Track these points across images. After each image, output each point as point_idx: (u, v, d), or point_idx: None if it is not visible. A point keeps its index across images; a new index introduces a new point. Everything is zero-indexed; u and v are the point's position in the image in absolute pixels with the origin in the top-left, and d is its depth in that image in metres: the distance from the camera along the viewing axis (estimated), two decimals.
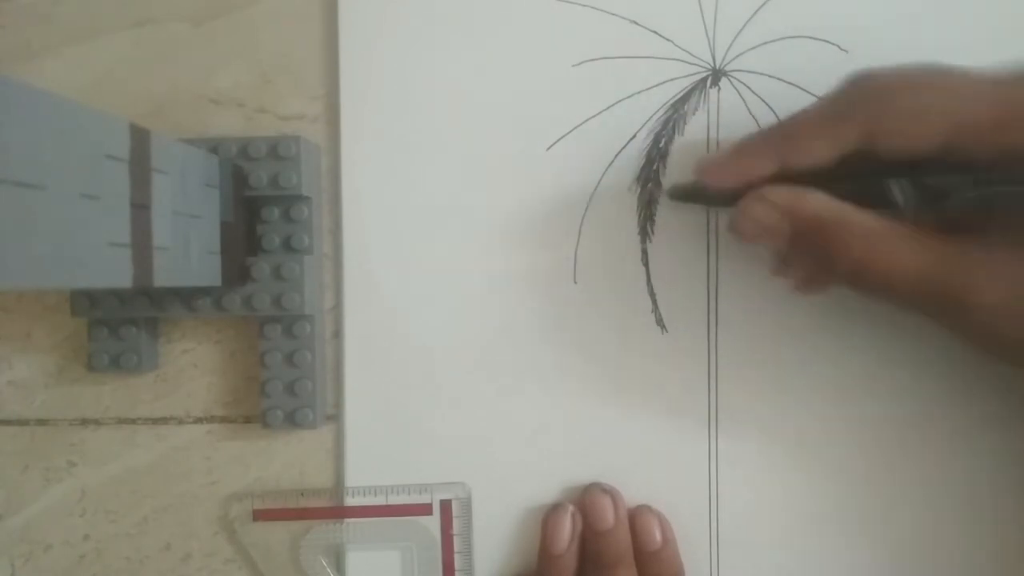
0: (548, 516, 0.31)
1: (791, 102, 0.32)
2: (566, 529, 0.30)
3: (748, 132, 0.27)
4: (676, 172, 0.32)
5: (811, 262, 0.26)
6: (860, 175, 0.25)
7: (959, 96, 0.23)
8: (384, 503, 0.32)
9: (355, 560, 0.33)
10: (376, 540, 0.32)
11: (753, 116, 0.32)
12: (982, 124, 0.23)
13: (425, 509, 0.32)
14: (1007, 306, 0.23)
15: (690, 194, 0.30)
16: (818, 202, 0.25)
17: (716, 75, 0.32)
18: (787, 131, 0.26)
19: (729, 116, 0.32)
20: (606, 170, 0.32)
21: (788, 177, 0.26)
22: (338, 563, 0.33)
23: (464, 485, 0.32)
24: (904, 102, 0.24)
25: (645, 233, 0.32)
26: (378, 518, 0.32)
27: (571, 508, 0.31)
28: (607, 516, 0.30)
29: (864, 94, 0.25)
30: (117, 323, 0.32)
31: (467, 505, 0.32)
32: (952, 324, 0.24)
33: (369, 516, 0.32)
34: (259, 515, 0.33)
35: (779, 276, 0.29)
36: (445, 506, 0.32)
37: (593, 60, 0.32)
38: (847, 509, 0.32)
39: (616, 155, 0.32)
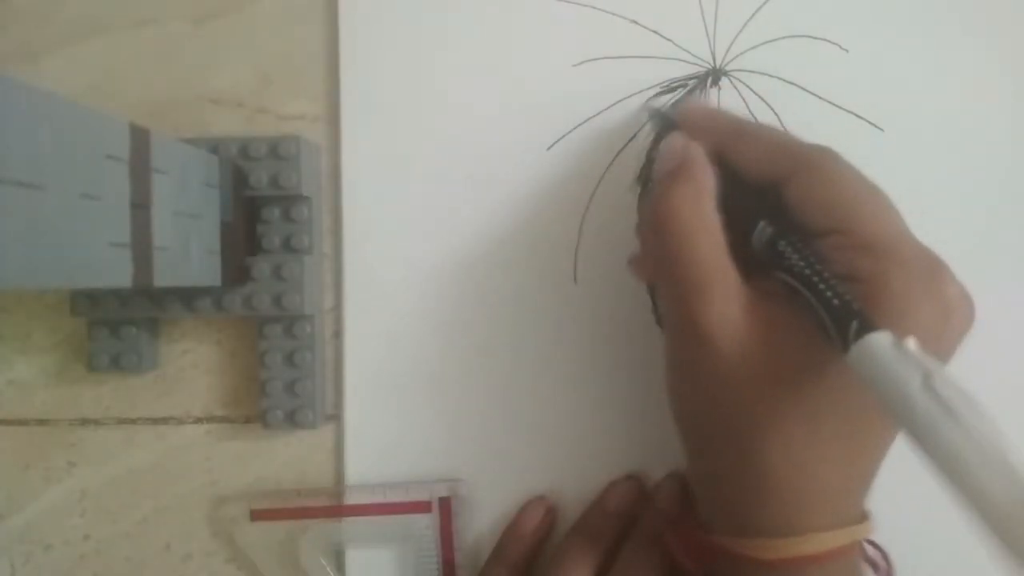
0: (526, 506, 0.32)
1: (791, 101, 0.32)
2: (538, 516, 0.31)
3: None
4: None
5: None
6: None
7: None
8: (383, 501, 0.32)
9: (354, 559, 0.33)
10: (375, 539, 0.32)
11: (753, 115, 0.32)
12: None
13: (424, 507, 0.32)
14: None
15: None
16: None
17: (716, 74, 0.32)
18: None
19: None
20: (606, 170, 0.32)
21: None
22: (337, 562, 0.33)
23: (464, 482, 0.32)
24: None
25: None
26: (377, 516, 0.32)
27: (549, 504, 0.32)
28: (623, 498, 0.31)
29: None
30: (117, 323, 0.32)
31: (467, 502, 0.32)
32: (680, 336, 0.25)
33: (367, 514, 0.32)
34: (257, 515, 0.33)
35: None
36: (444, 503, 0.32)
37: (593, 60, 0.32)
38: None
39: (616, 155, 0.32)
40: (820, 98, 0.32)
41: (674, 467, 0.32)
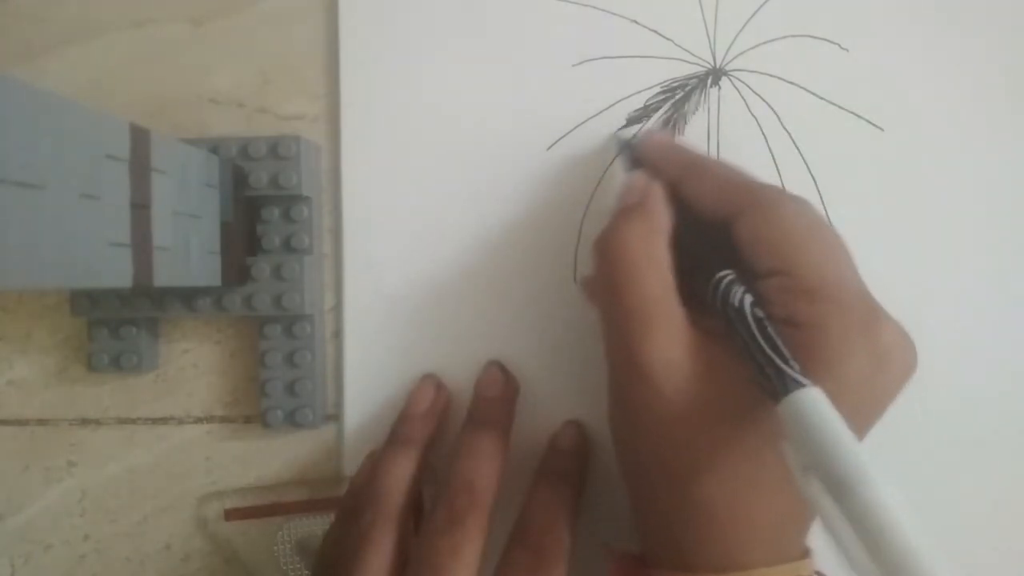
0: (416, 384, 0.32)
1: (791, 101, 0.32)
2: (430, 393, 0.31)
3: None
4: None
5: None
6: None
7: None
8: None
9: None
10: None
11: (753, 115, 0.32)
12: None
13: None
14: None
15: None
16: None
17: (716, 74, 0.32)
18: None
19: (729, 115, 0.32)
20: (606, 170, 0.32)
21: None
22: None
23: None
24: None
25: None
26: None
27: (438, 380, 0.32)
28: (496, 383, 0.31)
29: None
30: (117, 323, 0.32)
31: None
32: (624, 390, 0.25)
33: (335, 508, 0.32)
34: (231, 514, 0.32)
35: None
36: None
37: (593, 60, 0.33)
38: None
39: (616, 155, 0.32)
40: (820, 98, 0.32)
41: None
